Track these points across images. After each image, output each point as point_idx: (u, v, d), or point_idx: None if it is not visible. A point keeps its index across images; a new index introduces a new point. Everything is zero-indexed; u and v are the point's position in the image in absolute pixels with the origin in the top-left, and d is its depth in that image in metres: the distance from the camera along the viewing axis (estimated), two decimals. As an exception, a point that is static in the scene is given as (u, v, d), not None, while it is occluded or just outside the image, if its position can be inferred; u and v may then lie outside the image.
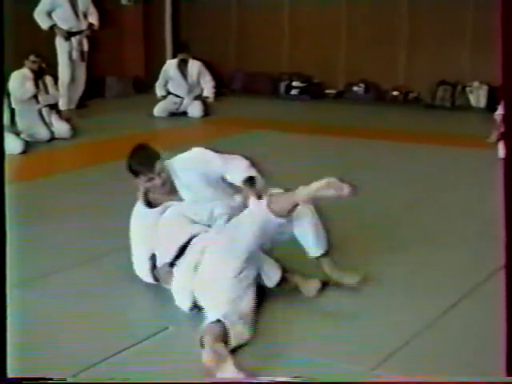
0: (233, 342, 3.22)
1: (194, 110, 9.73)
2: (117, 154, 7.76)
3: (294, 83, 11.39)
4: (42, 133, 8.06)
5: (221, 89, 10.74)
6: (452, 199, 5.80)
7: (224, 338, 3.18)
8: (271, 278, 3.78)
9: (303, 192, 3.53)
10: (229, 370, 2.98)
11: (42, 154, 7.67)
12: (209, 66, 10.20)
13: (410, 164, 7.05)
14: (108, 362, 3.20)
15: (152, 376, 3.02)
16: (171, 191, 3.97)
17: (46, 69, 8.17)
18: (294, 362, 3.18)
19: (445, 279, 4.12)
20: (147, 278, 3.91)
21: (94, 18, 9.97)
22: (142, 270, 3.93)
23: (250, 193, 3.85)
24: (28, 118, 7.98)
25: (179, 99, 9.80)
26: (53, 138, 8.13)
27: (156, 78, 9.96)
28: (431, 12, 10.53)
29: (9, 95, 7.84)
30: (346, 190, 3.51)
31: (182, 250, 3.72)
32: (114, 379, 2.99)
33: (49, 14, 9.65)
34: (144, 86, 11.45)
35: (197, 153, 4.08)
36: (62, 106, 9.09)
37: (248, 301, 3.48)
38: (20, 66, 8.05)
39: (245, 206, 3.82)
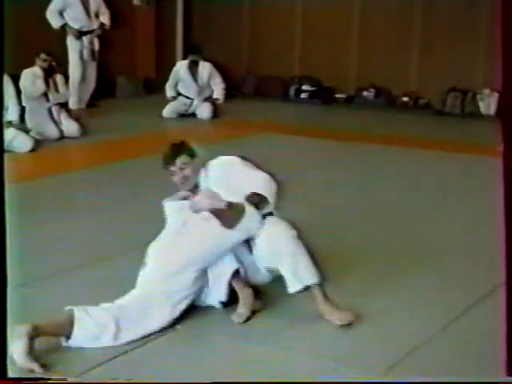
0: None
1: (204, 111, 9.73)
2: (125, 154, 7.85)
3: (305, 87, 11.39)
4: (52, 131, 8.08)
5: (231, 91, 10.74)
6: (460, 207, 5.78)
7: None
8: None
9: None
10: None
11: (51, 152, 7.68)
12: (220, 68, 10.20)
13: (418, 171, 7.03)
14: (116, 360, 3.20)
15: (160, 375, 3.02)
16: (195, 189, 3.89)
17: (56, 67, 8.19)
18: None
19: (450, 290, 4.11)
20: None
21: (105, 18, 10.01)
22: None
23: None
24: (38, 116, 8.01)
25: (189, 100, 9.80)
26: (62, 137, 8.14)
27: (166, 79, 9.96)
28: (444, 18, 10.51)
29: (19, 93, 7.86)
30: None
31: None
32: (120, 379, 2.99)
33: (60, 13, 9.69)
34: (154, 86, 11.46)
35: (234, 162, 3.89)
36: (72, 104, 9.12)
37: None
38: (31, 64, 8.08)
39: None
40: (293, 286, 3.55)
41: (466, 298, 3.93)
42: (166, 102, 9.81)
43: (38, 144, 7.68)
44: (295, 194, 5.83)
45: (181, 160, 3.85)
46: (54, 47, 8.90)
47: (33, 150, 7.52)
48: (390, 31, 10.86)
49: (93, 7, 9.89)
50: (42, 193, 5.98)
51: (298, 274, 3.53)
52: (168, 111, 9.73)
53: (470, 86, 10.34)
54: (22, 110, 7.88)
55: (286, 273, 3.55)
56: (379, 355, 3.28)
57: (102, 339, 3.35)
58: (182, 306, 3.59)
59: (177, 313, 3.56)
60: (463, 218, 5.46)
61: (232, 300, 3.67)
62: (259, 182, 3.69)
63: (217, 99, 9.89)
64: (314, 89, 11.32)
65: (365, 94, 11.12)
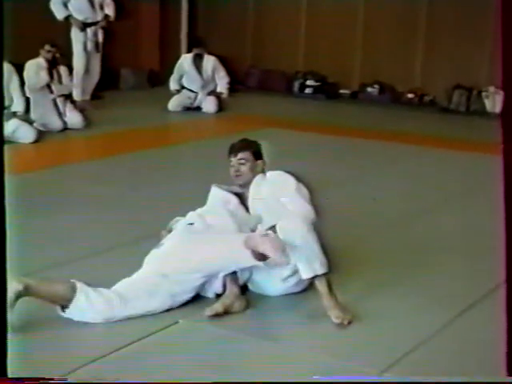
0: None
1: (208, 105, 9.71)
2: (129, 146, 7.85)
3: (309, 82, 11.36)
4: (55, 123, 8.07)
5: (235, 85, 10.72)
6: (465, 205, 5.76)
7: None
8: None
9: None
10: None
11: (54, 143, 7.68)
12: (224, 61, 10.18)
13: (422, 168, 7.02)
14: (117, 354, 3.18)
15: (160, 370, 3.01)
16: (244, 187, 3.93)
17: (60, 59, 8.17)
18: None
19: (452, 288, 4.09)
20: None
21: (110, 10, 9.98)
22: None
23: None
24: (42, 108, 8.00)
25: (193, 94, 9.78)
26: (66, 128, 8.14)
27: (171, 72, 9.94)
28: (449, 15, 10.48)
29: (23, 84, 7.85)
30: (279, 260, 3.43)
31: None
32: (120, 374, 2.98)
33: (65, 5, 9.66)
34: (158, 79, 11.45)
35: (289, 184, 3.88)
36: (76, 96, 9.11)
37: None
38: (35, 55, 8.06)
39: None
40: (305, 273, 3.57)
41: (467, 297, 3.92)
42: (169, 94, 9.80)
43: (42, 135, 7.67)
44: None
45: (242, 155, 3.90)
46: (59, 38, 8.88)
47: (36, 141, 7.51)
48: (394, 27, 10.83)
49: (97, -1, 9.88)
50: (45, 184, 5.97)
51: (311, 261, 3.55)
52: (173, 104, 9.71)
53: (476, 84, 10.31)
54: (27, 101, 7.87)
55: (299, 258, 3.56)
56: (380, 353, 3.27)
57: (104, 311, 3.40)
58: (184, 298, 3.64)
59: (177, 303, 3.61)
60: (467, 217, 5.44)
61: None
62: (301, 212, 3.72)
63: (221, 93, 9.87)
64: (318, 84, 11.30)
65: (369, 90, 11.09)
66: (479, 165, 6.98)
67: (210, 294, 3.74)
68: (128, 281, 3.60)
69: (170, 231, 3.87)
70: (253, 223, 3.85)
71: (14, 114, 7.52)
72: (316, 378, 2.94)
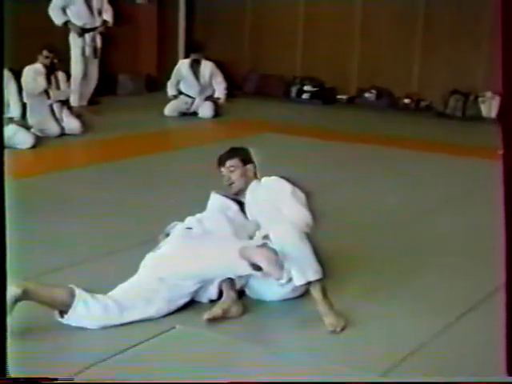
0: None
1: (205, 110, 9.72)
2: (127, 151, 7.85)
3: (306, 87, 11.38)
4: (53, 128, 8.08)
5: (233, 90, 10.74)
6: (461, 210, 5.78)
7: None
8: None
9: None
10: None
11: (51, 149, 7.68)
12: (222, 66, 10.19)
13: (419, 173, 7.02)
14: (114, 359, 3.19)
15: (157, 375, 3.02)
16: (239, 195, 3.98)
17: (58, 64, 8.18)
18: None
19: (451, 290, 4.11)
20: None
21: (108, 15, 10.01)
22: None
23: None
24: (39, 113, 8.00)
25: (190, 99, 9.80)
26: (63, 134, 8.14)
27: (168, 77, 9.96)
28: (446, 21, 10.51)
29: (21, 90, 7.86)
30: (272, 273, 3.44)
31: None
32: (117, 379, 2.99)
33: (63, 10, 9.69)
34: (156, 84, 11.46)
35: (285, 190, 3.90)
36: (74, 102, 9.11)
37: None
38: (33, 60, 8.07)
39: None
40: (298, 280, 3.57)
41: (466, 300, 3.93)
42: (167, 100, 9.81)
43: (39, 141, 7.67)
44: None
45: (231, 162, 3.92)
46: (57, 44, 8.89)
47: (34, 147, 7.52)
48: (392, 33, 10.85)
49: (95, 4, 9.90)
50: (43, 189, 5.98)
51: (303, 267, 3.54)
52: (170, 110, 9.72)
53: (472, 89, 10.34)
54: (24, 107, 7.88)
55: (292, 264, 3.56)
56: (380, 356, 3.29)
57: (102, 318, 3.42)
58: (179, 303, 3.66)
59: (173, 309, 3.63)
60: (464, 221, 5.46)
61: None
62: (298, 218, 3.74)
63: (218, 98, 9.89)
64: (315, 89, 11.32)
65: (366, 95, 11.12)
66: (475, 169, 7.00)
67: (205, 299, 3.75)
68: (125, 287, 3.60)
69: (167, 235, 3.89)
70: (251, 230, 3.86)
71: (11, 120, 7.52)
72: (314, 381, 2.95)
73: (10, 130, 7.24)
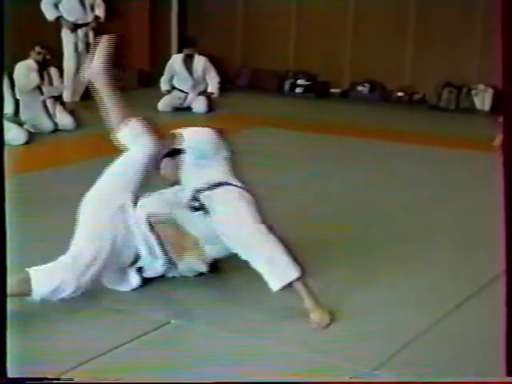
0: None
1: (199, 105, 9.72)
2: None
3: (299, 81, 11.38)
4: (46, 124, 8.06)
5: (226, 85, 10.73)
6: (454, 202, 5.79)
7: None
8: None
9: None
10: None
11: (45, 145, 7.67)
12: (214, 61, 10.18)
13: (412, 166, 7.03)
14: (109, 355, 3.19)
15: (153, 370, 3.02)
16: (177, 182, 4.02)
17: (50, 60, 8.16)
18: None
19: (448, 282, 4.11)
20: None
21: (100, 11, 9.99)
22: None
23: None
24: (32, 109, 7.98)
25: (184, 94, 9.79)
26: (56, 130, 8.13)
27: (161, 72, 9.95)
28: (439, 13, 10.52)
29: (13, 86, 7.84)
30: None
31: None
32: (115, 373, 2.99)
33: (55, 6, 9.67)
34: (148, 79, 11.44)
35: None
36: (67, 97, 9.10)
37: None
38: (25, 56, 8.05)
39: None
40: (274, 285, 3.49)
41: (464, 291, 3.94)
42: (159, 95, 9.80)
43: (32, 137, 7.66)
44: (290, 188, 5.86)
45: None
46: (49, 40, 8.87)
47: (27, 143, 7.51)
48: (384, 25, 10.85)
49: (88, 0, 9.88)
50: (36, 186, 5.96)
51: (277, 271, 3.46)
52: (163, 104, 9.71)
53: (465, 82, 10.35)
54: (17, 103, 7.86)
55: (263, 272, 3.49)
56: (372, 349, 3.29)
57: (67, 276, 3.51)
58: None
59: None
60: (459, 212, 5.47)
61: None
62: None
63: (212, 93, 9.88)
64: (308, 83, 11.31)
65: (359, 88, 11.12)
66: (469, 161, 7.02)
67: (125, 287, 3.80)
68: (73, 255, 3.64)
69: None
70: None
71: (4, 116, 7.51)
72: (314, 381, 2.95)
73: (2, 127, 7.23)
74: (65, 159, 7.42)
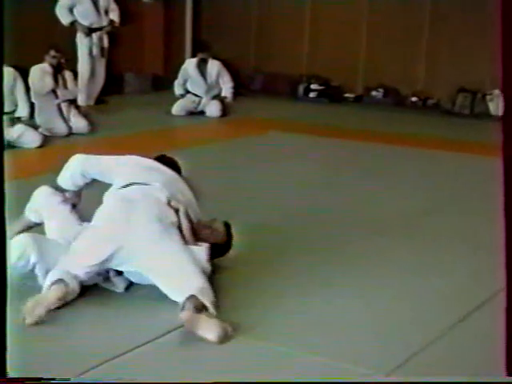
0: None
1: (212, 109, 9.73)
2: (134, 151, 7.82)
3: (313, 86, 11.38)
4: (60, 128, 8.09)
5: (239, 89, 10.75)
6: (466, 208, 5.77)
7: None
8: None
9: None
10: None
11: (59, 148, 7.69)
12: (228, 65, 10.20)
13: (426, 170, 7.02)
14: (117, 361, 3.17)
15: (159, 376, 3.01)
16: None
17: (65, 64, 8.20)
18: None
19: (453, 290, 4.10)
20: None
21: (114, 15, 10.04)
22: None
23: None
24: (47, 113, 8.02)
25: (197, 98, 9.81)
26: (71, 133, 8.16)
27: (174, 77, 9.97)
28: (453, 18, 10.49)
29: (29, 89, 7.88)
30: None
31: None
32: (121, 379, 2.98)
33: (70, 10, 9.72)
34: (162, 83, 11.48)
35: None
36: (81, 101, 9.14)
37: None
38: (40, 60, 8.09)
39: None
40: (174, 297, 3.50)
41: (468, 300, 3.93)
42: (173, 99, 9.83)
43: (47, 140, 7.69)
44: (303, 192, 5.86)
45: None
46: (64, 43, 8.92)
47: (41, 146, 7.53)
48: (398, 31, 10.84)
49: (102, 4, 9.92)
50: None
51: (175, 286, 3.51)
52: (177, 109, 9.73)
53: (480, 87, 10.32)
54: (32, 107, 7.90)
55: (162, 288, 3.57)
56: (381, 355, 3.28)
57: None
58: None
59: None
60: (471, 218, 5.45)
61: None
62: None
63: (225, 97, 9.90)
64: (322, 88, 11.32)
65: (373, 93, 11.12)
66: (482, 167, 6.98)
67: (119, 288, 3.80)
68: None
69: None
70: None
71: (19, 119, 7.55)
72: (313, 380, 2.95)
73: (17, 130, 7.27)
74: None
